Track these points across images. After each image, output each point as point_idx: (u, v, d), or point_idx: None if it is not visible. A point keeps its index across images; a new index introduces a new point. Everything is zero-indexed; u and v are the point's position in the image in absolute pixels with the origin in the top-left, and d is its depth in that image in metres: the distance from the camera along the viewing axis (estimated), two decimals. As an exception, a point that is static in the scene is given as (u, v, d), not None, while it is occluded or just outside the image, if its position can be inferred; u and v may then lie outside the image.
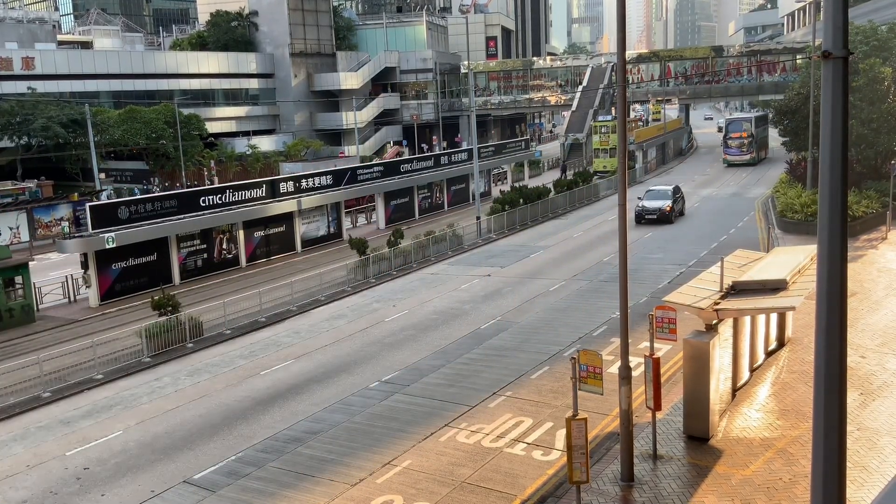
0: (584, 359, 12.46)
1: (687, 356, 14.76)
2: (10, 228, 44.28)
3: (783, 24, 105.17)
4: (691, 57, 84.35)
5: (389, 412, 17.96)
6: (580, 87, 79.73)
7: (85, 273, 30.87)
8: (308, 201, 39.88)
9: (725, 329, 15.49)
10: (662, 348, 19.43)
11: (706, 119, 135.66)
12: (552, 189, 49.77)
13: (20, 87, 59.25)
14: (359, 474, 14.87)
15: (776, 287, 15.98)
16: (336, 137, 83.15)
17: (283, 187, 39.07)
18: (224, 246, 36.11)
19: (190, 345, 24.24)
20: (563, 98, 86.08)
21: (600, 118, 67.31)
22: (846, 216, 6.07)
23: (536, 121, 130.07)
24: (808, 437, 13.10)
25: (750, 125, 64.86)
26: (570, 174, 60.60)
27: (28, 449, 17.35)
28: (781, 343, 19.80)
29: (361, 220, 49.10)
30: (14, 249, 36.80)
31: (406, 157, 65.37)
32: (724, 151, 65.67)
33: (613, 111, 72.83)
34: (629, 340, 13.83)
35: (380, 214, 46.81)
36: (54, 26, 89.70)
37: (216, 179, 63.63)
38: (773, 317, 19.27)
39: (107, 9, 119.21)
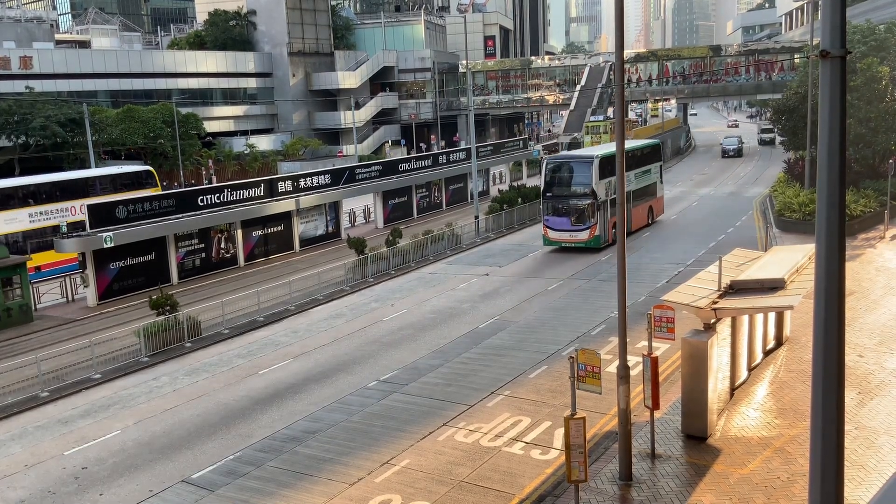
0: (582, 358, 12.46)
1: (685, 355, 14.77)
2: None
3: (781, 24, 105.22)
4: (689, 56, 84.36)
5: (388, 411, 17.96)
6: (578, 87, 79.75)
7: (83, 272, 30.84)
8: (306, 201, 39.86)
9: (724, 328, 15.50)
10: (661, 347, 19.44)
11: (691, 115, 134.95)
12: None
13: (18, 86, 59.15)
14: (357, 473, 14.87)
15: (774, 286, 15.99)
16: (334, 137, 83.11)
17: (281, 187, 39.05)
18: (222, 245, 36.08)
19: (188, 344, 24.22)
20: (562, 97, 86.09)
21: (592, 118, 66.98)
22: (844, 215, 6.07)
23: (535, 120, 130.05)
24: (806, 436, 13.12)
25: (590, 173, 33.98)
26: None
27: (26, 448, 17.33)
28: (779, 342, 19.82)
29: (360, 219, 49.07)
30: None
31: (404, 156, 65.38)
32: (545, 223, 34.81)
33: (611, 112, 72.90)
34: (627, 339, 13.84)
35: (378, 214, 46.80)
36: (52, 25, 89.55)
37: (214, 179, 63.60)
38: (772, 316, 19.28)
39: (105, 8, 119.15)
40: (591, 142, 62.99)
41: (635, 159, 37.16)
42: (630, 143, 39.12)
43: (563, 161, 36.09)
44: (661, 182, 41.72)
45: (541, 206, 35.66)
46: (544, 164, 35.83)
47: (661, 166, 41.69)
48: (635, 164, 36.80)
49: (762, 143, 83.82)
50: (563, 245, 34.25)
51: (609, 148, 37.75)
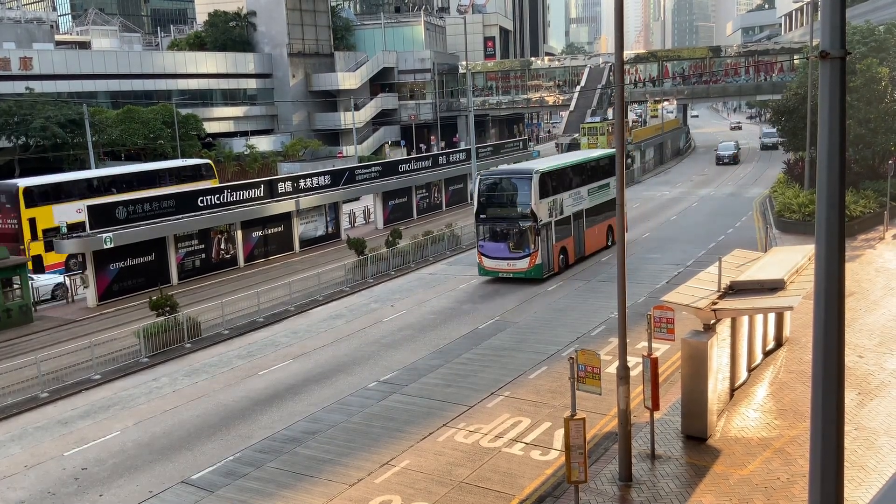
0: (582, 359, 12.47)
1: (685, 356, 14.77)
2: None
3: (781, 25, 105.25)
4: (689, 57, 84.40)
5: (387, 412, 17.96)
6: (578, 88, 79.78)
7: (83, 273, 30.83)
8: (306, 201, 39.87)
9: (723, 329, 15.50)
10: (660, 348, 19.45)
11: (692, 116, 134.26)
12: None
13: (18, 87, 59.15)
14: (357, 474, 14.87)
15: (774, 287, 16.00)
16: (334, 137, 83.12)
17: (281, 187, 39.07)
18: (222, 246, 36.09)
19: (188, 345, 24.22)
20: (561, 98, 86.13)
21: (589, 120, 66.20)
22: (844, 216, 6.07)
23: (534, 121, 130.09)
24: (806, 437, 13.12)
25: (529, 191, 29.20)
26: None
27: (26, 449, 17.33)
28: (779, 343, 19.82)
29: (359, 220, 49.07)
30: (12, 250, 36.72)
31: (403, 157, 65.37)
32: (479, 249, 30.21)
33: (610, 113, 72.86)
34: (627, 340, 13.84)
35: (378, 214, 46.80)
36: (52, 26, 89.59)
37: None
38: (771, 317, 19.29)
39: (105, 9, 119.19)
40: (587, 143, 62.31)
41: (588, 173, 33.63)
42: (580, 156, 35.70)
43: (499, 177, 30.83)
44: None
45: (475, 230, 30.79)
46: (477, 180, 30.94)
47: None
48: (587, 179, 33.27)
49: (764, 147, 78.65)
50: (501, 275, 29.74)
51: (554, 161, 34.39)
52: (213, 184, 44.42)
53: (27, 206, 36.05)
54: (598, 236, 34.02)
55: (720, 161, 69.27)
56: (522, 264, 29.10)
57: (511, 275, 29.32)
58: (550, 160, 35.54)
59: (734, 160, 68.93)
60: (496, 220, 29.83)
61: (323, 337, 24.55)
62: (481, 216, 29.98)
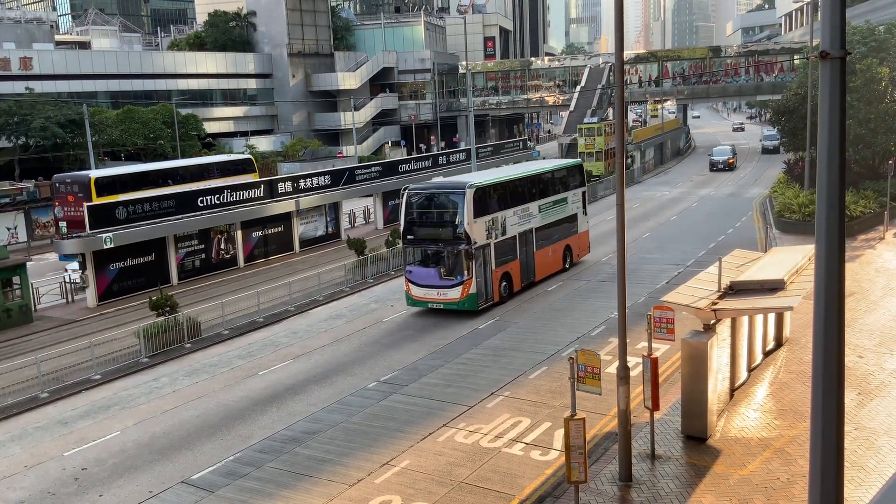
0: (582, 359, 12.47)
1: (685, 356, 14.77)
2: (8, 229, 44.23)
3: (781, 25, 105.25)
4: (689, 57, 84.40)
5: (387, 412, 17.96)
6: (578, 88, 79.80)
7: (83, 273, 30.84)
8: (306, 201, 39.87)
9: (723, 329, 15.50)
10: (660, 348, 19.45)
11: (694, 117, 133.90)
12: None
13: (18, 87, 59.15)
14: (357, 474, 14.87)
15: (774, 287, 16.00)
16: (334, 137, 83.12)
17: (281, 187, 39.08)
18: (222, 246, 36.09)
19: (188, 345, 24.22)
20: (561, 98, 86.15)
21: (587, 120, 65.41)
22: (844, 216, 6.08)
23: (534, 121, 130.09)
24: (805, 437, 13.12)
25: (461, 209, 25.62)
26: None
27: (26, 449, 17.33)
28: (779, 343, 19.82)
29: (359, 220, 49.05)
30: (12, 250, 36.76)
31: (403, 157, 65.35)
32: (407, 276, 26.61)
33: (610, 113, 72.85)
34: (627, 340, 13.84)
35: (378, 214, 46.81)
36: (52, 26, 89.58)
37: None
38: (771, 317, 19.29)
39: (104, 9, 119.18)
40: (585, 144, 61.78)
41: (540, 186, 29.78)
42: (531, 167, 31.91)
43: (429, 192, 26.84)
44: (586, 212, 32.83)
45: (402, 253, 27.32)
46: (404, 196, 26.68)
47: (584, 193, 32.72)
48: (540, 193, 29.43)
49: (765, 151, 75.33)
50: (431, 306, 25.92)
51: (496, 173, 30.26)
52: (254, 177, 46.79)
53: (99, 195, 39.16)
54: (552, 259, 29.99)
55: (714, 167, 64.94)
56: (454, 294, 25.20)
57: (442, 305, 25.55)
58: (492, 173, 31.54)
59: (729, 166, 64.59)
60: (425, 242, 26.14)
61: (323, 337, 24.55)
62: (409, 237, 26.24)
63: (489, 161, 58.09)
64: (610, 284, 27.35)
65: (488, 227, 25.89)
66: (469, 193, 25.04)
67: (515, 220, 27.45)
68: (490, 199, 26.29)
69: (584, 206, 32.56)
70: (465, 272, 25.07)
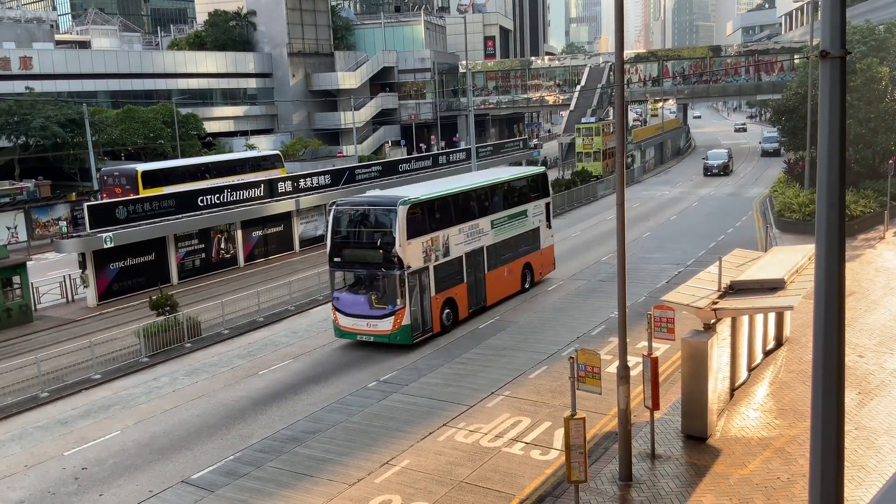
0: (582, 358, 12.47)
1: (685, 356, 14.77)
2: (8, 228, 44.21)
3: (781, 24, 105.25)
4: (689, 57, 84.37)
5: (387, 412, 17.97)
6: (578, 87, 79.80)
7: (83, 273, 30.84)
8: (306, 201, 39.86)
9: (723, 329, 15.50)
10: (661, 348, 19.45)
11: (695, 118, 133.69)
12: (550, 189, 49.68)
13: (18, 86, 59.14)
14: (357, 474, 14.87)
15: (774, 286, 16.00)
16: (334, 137, 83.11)
17: (281, 187, 39.07)
18: (222, 246, 36.09)
19: (188, 345, 24.21)
20: (561, 98, 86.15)
21: (584, 119, 64.68)
22: (844, 216, 6.07)
23: (535, 120, 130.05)
24: (806, 437, 13.12)
25: (393, 229, 22.45)
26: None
27: (26, 449, 17.33)
28: (779, 342, 19.83)
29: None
30: (12, 249, 36.75)
31: (403, 156, 65.34)
32: (334, 303, 23.61)
33: (611, 112, 72.82)
34: (627, 340, 13.84)
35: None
36: (52, 26, 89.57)
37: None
38: (772, 316, 19.29)
39: (104, 8, 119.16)
40: (582, 145, 61.14)
41: (495, 199, 26.84)
42: (483, 177, 28.39)
43: (357, 209, 23.63)
44: (550, 226, 29.93)
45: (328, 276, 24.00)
46: (331, 213, 23.85)
47: (548, 205, 29.83)
48: (493, 207, 26.51)
49: (765, 153, 72.31)
50: (360, 338, 22.87)
51: (437, 186, 26.35)
52: (282, 173, 49.23)
53: (144, 187, 42.70)
54: (508, 279, 27.00)
55: (708, 172, 61.03)
56: (385, 325, 22.18)
57: (372, 338, 22.51)
58: (436, 184, 27.66)
59: (724, 170, 60.94)
60: (353, 266, 23.09)
61: (323, 337, 24.53)
62: (335, 259, 23.12)
63: (490, 161, 58.12)
64: (610, 284, 27.34)
65: (427, 247, 22.84)
66: (402, 211, 21.97)
67: (462, 239, 24.45)
68: (429, 215, 23.31)
69: (548, 219, 29.79)
70: (398, 300, 22.01)
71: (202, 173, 47.86)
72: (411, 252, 22.17)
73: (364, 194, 26.36)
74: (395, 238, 21.87)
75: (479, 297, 25.49)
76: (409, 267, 22.04)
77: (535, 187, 29.42)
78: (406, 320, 22.09)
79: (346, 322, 22.89)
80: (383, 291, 22.51)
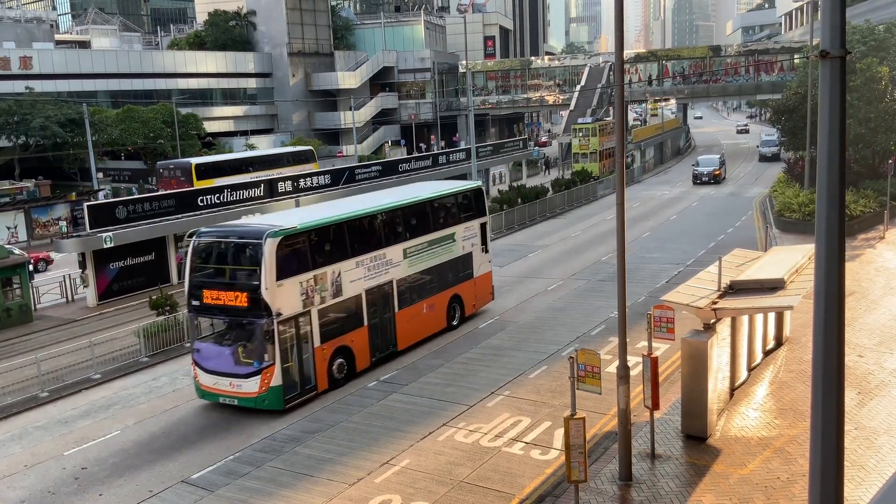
0: (582, 358, 12.47)
1: (685, 355, 14.77)
2: (8, 228, 44.23)
3: (781, 24, 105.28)
4: (689, 56, 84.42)
5: (387, 412, 17.96)
6: (578, 87, 79.82)
7: (83, 273, 30.84)
8: (306, 201, 39.80)
9: (723, 328, 15.50)
10: (660, 347, 19.45)
11: (696, 118, 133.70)
12: (550, 189, 49.79)
13: (18, 86, 59.18)
14: (357, 474, 14.87)
15: (774, 286, 16.00)
16: (334, 137, 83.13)
17: (281, 187, 39.05)
18: (222, 245, 36.03)
19: (188, 344, 24.16)
20: (561, 98, 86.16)
21: (580, 120, 64.00)
22: (844, 215, 6.08)
23: (535, 120, 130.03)
24: (806, 436, 13.12)
25: (259, 267, 17.80)
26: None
27: (26, 449, 17.33)
28: (779, 342, 19.83)
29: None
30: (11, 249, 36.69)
31: (403, 156, 65.35)
32: (194, 357, 19.22)
33: (611, 111, 72.78)
34: (627, 340, 13.83)
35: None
36: (52, 26, 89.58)
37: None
38: (771, 316, 19.29)
39: (104, 8, 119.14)
40: (578, 146, 60.59)
41: (410, 221, 22.54)
42: (398, 196, 23.87)
43: (219, 242, 19.31)
44: (486, 250, 25.64)
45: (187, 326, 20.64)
46: (191, 245, 19.55)
47: (483, 225, 25.50)
48: (407, 232, 22.30)
49: (763, 158, 68.03)
50: (224, 400, 18.50)
51: (322, 212, 21.50)
52: (315, 167, 52.71)
53: (198, 179, 46.17)
54: (428, 316, 22.89)
55: (698, 180, 55.97)
56: (250, 386, 17.89)
57: (237, 401, 18.21)
58: (328, 207, 23.33)
59: (715, 178, 55.75)
60: (213, 312, 18.66)
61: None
62: (193, 303, 18.81)
63: (489, 161, 58.10)
64: (610, 284, 27.34)
65: (308, 288, 18.56)
66: (269, 245, 17.64)
67: (361, 274, 20.27)
68: (313, 248, 19.09)
69: (485, 242, 25.42)
70: (266, 356, 17.79)
71: (247, 167, 51.89)
72: (283, 295, 17.84)
73: (237, 220, 22.05)
74: (261, 279, 17.54)
75: (386, 342, 21.32)
76: (278, 314, 17.67)
77: (466, 206, 25.19)
78: (275, 380, 17.80)
79: (206, 380, 18.56)
80: (247, 345, 18.45)
